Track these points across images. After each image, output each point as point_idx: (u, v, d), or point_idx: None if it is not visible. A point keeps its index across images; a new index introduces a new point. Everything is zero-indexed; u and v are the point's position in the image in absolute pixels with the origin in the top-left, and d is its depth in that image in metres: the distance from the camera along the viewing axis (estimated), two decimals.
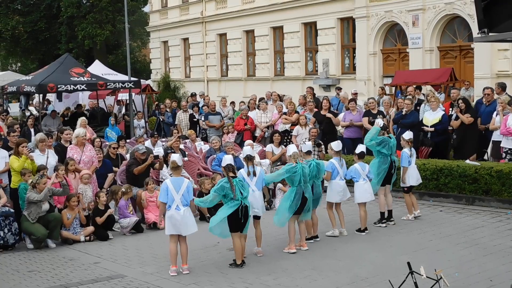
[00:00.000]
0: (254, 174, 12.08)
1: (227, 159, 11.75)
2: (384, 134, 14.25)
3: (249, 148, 12.45)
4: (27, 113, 26.84)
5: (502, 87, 17.30)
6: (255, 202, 11.87)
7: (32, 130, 21.91)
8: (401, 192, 15.27)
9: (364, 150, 13.84)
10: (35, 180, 13.44)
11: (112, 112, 27.69)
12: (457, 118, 17.32)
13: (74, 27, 48.09)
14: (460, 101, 17.54)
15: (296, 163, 12.09)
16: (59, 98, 26.11)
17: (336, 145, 13.58)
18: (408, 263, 7.36)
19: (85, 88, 24.40)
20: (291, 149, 12.37)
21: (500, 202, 15.00)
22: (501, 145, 16.28)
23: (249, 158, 12.13)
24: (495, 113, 17.03)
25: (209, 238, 13.76)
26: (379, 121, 14.65)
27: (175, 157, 11.54)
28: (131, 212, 14.71)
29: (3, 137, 16.29)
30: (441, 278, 7.20)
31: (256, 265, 11.59)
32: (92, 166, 15.45)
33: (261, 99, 24.34)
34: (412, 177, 14.26)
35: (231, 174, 11.42)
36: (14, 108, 34.08)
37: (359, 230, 13.40)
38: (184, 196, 11.21)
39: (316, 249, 12.42)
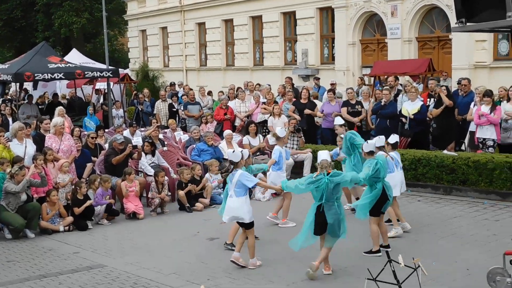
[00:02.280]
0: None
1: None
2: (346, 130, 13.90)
3: (234, 152, 11.19)
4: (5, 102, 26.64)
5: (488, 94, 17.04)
6: (236, 209, 10.86)
7: (10, 119, 21.79)
8: None
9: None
10: (14, 171, 13.38)
11: (90, 102, 27.54)
12: (437, 106, 17.36)
13: (51, 15, 47.67)
14: (444, 87, 17.70)
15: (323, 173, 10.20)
16: (35, 86, 25.95)
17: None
18: (387, 252, 7.45)
19: (63, 77, 24.24)
20: (322, 155, 10.48)
21: (477, 192, 15.14)
22: (476, 135, 16.44)
23: (232, 163, 11.16)
24: (472, 103, 17.18)
25: (189, 227, 13.83)
26: (338, 120, 14.52)
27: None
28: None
29: None
30: (419, 266, 7.28)
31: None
32: (71, 156, 15.40)
33: (238, 89, 24.38)
34: (396, 186, 12.31)
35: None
36: None
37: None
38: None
39: None
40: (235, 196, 10.85)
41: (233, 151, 11.23)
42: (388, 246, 11.00)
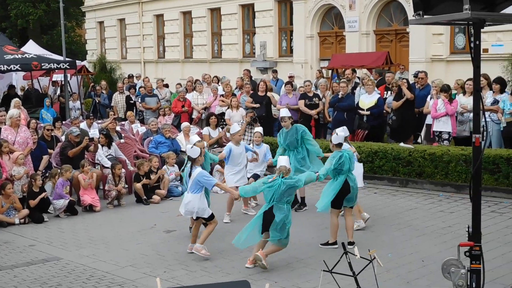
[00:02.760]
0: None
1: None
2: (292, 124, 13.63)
3: (192, 148, 10.99)
4: None
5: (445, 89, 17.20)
6: (192, 205, 10.82)
7: None
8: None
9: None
10: None
11: (47, 94, 27.25)
12: (397, 98, 17.48)
13: (7, 6, 47.03)
14: (405, 80, 17.84)
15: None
16: None
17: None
18: (343, 244, 7.48)
19: (19, 69, 23.94)
20: (282, 161, 10.47)
21: (433, 184, 15.31)
22: (432, 129, 16.61)
23: (190, 159, 11.02)
24: (429, 96, 17.35)
25: (145, 220, 13.77)
26: (285, 111, 14.04)
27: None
28: (67, 193, 14.56)
29: None
30: (374, 258, 7.32)
31: None
32: (27, 148, 15.23)
33: (196, 81, 24.32)
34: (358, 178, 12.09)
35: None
36: None
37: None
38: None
39: None
40: (191, 193, 10.89)
41: (192, 147, 11.09)
42: (352, 243, 10.86)
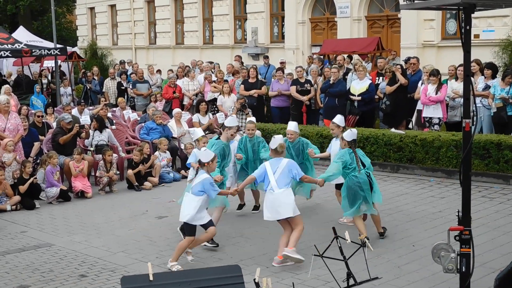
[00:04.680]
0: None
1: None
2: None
3: (205, 151, 10.08)
4: None
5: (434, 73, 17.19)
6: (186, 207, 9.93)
7: None
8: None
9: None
10: None
11: (37, 80, 27.15)
12: (390, 83, 17.50)
13: None
14: (398, 65, 17.88)
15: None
16: None
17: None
18: (333, 229, 7.50)
19: (9, 55, 23.87)
20: (278, 139, 10.20)
21: (424, 170, 15.35)
22: (423, 115, 16.65)
23: (200, 162, 9.94)
24: (420, 82, 17.37)
25: (137, 206, 13.78)
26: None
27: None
28: (58, 179, 14.56)
29: None
30: (365, 243, 7.36)
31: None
32: (18, 134, 15.18)
33: (186, 67, 24.32)
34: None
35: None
36: None
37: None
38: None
39: (245, 217, 12.54)
40: (192, 195, 9.80)
41: (205, 149, 10.19)
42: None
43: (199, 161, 9.91)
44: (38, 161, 15.48)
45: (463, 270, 6.58)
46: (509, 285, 6.92)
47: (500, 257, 9.51)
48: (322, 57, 23.79)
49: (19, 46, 24.00)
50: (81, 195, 14.77)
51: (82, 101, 20.66)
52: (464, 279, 6.61)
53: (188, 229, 9.80)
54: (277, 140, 10.11)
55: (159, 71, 26.98)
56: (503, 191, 13.59)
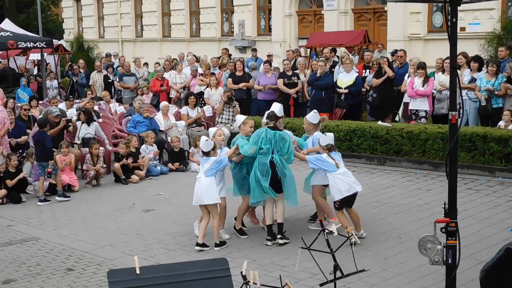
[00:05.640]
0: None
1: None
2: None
3: (206, 141, 10.43)
4: None
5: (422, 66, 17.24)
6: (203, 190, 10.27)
7: None
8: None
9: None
10: None
11: (23, 73, 27.03)
12: (376, 76, 17.52)
13: None
14: (385, 58, 17.91)
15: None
16: None
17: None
18: (320, 221, 7.53)
19: None
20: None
21: (410, 162, 15.40)
22: (409, 107, 16.69)
23: (204, 153, 10.44)
24: (406, 75, 17.41)
25: (124, 199, 13.76)
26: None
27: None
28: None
29: None
30: (351, 235, 7.38)
31: (172, 226, 11.63)
32: (4, 128, 15.12)
33: (174, 60, 24.27)
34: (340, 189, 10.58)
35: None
36: None
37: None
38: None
39: (233, 211, 12.53)
40: (205, 176, 10.25)
41: (206, 140, 10.47)
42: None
43: (203, 151, 10.40)
44: (24, 154, 15.41)
45: (449, 262, 6.61)
46: (495, 276, 6.96)
47: (486, 249, 9.57)
48: (297, 48, 23.76)
49: (5, 34, 23.87)
50: (68, 188, 14.71)
51: (71, 96, 20.57)
52: (450, 271, 6.64)
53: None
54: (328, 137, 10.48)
55: (146, 64, 26.90)
56: (488, 183, 13.65)
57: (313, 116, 11.25)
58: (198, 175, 10.50)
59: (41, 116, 16.67)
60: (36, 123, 16.47)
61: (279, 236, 10.30)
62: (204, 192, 10.21)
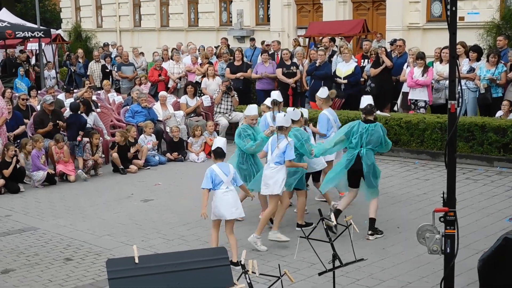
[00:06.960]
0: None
1: None
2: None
3: (285, 116, 9.88)
4: None
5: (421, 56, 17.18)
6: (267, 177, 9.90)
7: None
8: None
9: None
10: None
11: (21, 63, 26.95)
12: (374, 66, 17.49)
13: None
14: (383, 48, 17.88)
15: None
16: None
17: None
18: (319, 210, 7.51)
19: None
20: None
21: (409, 152, 15.40)
22: (409, 97, 16.67)
23: (280, 128, 9.79)
24: (405, 64, 17.38)
25: (123, 189, 13.75)
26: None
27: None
28: (43, 163, 14.49)
29: None
30: (350, 224, 7.38)
31: (170, 216, 11.62)
32: (2, 118, 15.09)
33: (173, 50, 24.21)
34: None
35: None
36: None
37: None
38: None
39: None
40: (273, 163, 9.78)
41: (284, 115, 9.87)
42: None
43: (281, 127, 9.73)
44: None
45: (448, 251, 6.61)
46: (493, 265, 6.97)
47: (484, 238, 9.58)
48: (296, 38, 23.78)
49: (2, 23, 23.82)
50: (66, 178, 14.70)
51: (71, 88, 20.53)
52: (449, 260, 6.64)
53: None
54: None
55: (141, 53, 26.82)
56: (487, 173, 13.67)
57: (322, 91, 11.90)
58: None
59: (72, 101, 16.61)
60: (69, 108, 16.38)
61: (369, 232, 10.13)
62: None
